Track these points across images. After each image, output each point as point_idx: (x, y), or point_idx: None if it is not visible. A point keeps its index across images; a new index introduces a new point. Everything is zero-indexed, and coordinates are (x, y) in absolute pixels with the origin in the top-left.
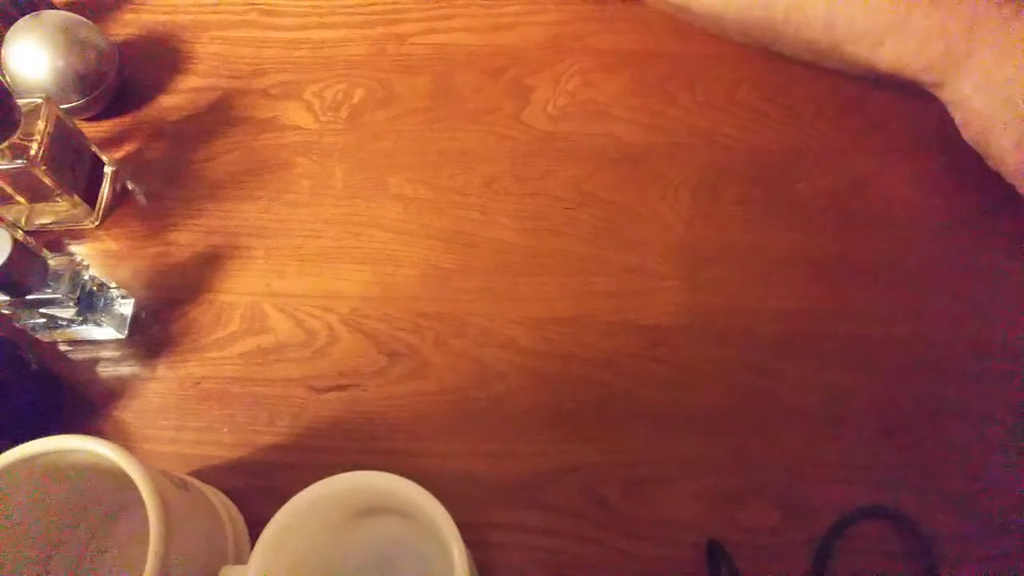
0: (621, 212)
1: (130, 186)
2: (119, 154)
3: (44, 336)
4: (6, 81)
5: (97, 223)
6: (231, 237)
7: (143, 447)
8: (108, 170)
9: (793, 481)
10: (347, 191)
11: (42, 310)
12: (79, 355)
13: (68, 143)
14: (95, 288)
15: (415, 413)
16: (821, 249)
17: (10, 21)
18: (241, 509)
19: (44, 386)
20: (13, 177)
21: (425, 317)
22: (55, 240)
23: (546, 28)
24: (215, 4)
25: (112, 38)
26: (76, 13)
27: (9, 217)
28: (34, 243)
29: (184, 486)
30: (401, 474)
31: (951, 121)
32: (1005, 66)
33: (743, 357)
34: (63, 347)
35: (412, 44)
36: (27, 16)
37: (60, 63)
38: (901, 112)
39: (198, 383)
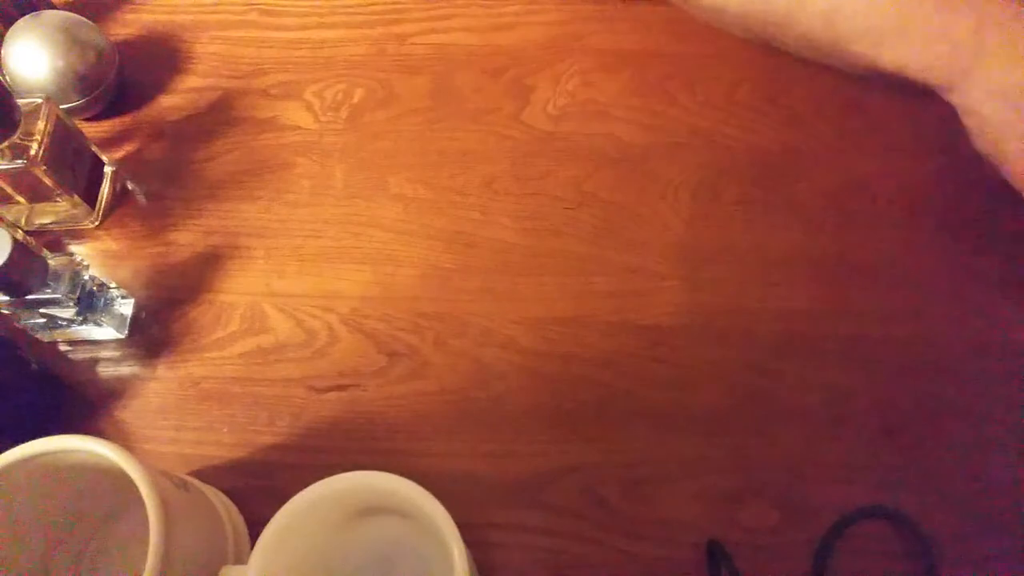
0: (621, 212)
1: (130, 186)
2: (119, 154)
3: (44, 336)
4: (6, 81)
5: (97, 223)
6: (231, 237)
7: (143, 447)
8: (108, 170)
9: (793, 481)
10: (347, 191)
11: (42, 310)
12: (79, 355)
13: (68, 143)
14: (95, 288)
15: (415, 413)
16: (821, 249)
17: (10, 21)
18: (241, 509)
19: (44, 386)
20: (13, 177)
21: (425, 317)
22: (55, 240)
23: (546, 28)
24: (215, 4)
25: (112, 38)
26: (76, 13)
27: (9, 217)
28: (34, 243)
29: (184, 486)
30: (401, 474)
31: (951, 121)
32: (1016, 71)
33: (743, 357)
34: (63, 347)
35: (412, 44)
36: (27, 16)
37: (60, 63)
38: (901, 112)
39: (198, 383)
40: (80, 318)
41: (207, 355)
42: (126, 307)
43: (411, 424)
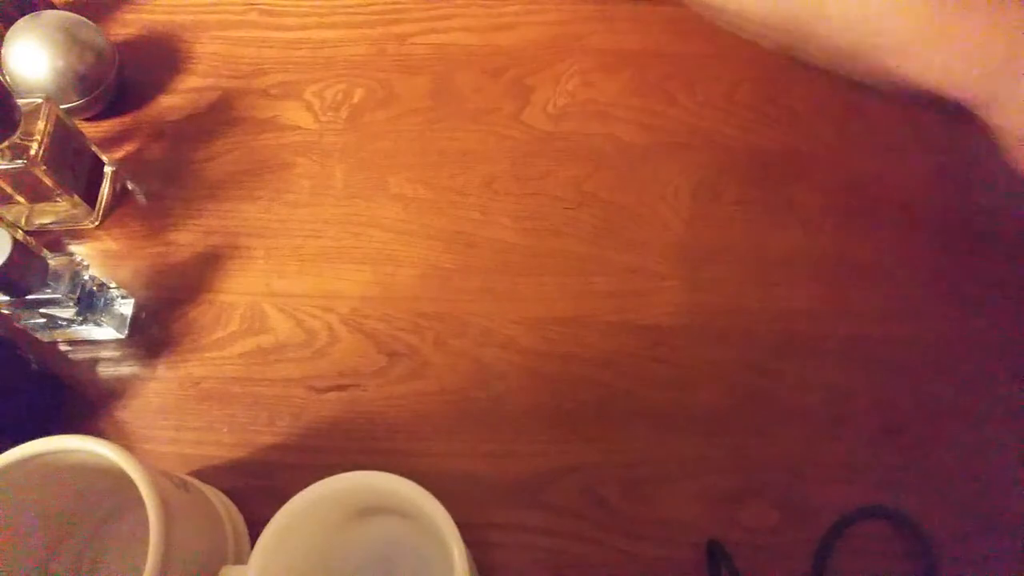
0: (621, 212)
1: (130, 186)
2: (119, 154)
3: (44, 336)
4: (6, 81)
5: (97, 223)
6: (231, 237)
7: (143, 447)
8: (108, 170)
9: (793, 481)
10: (347, 191)
11: (42, 310)
12: (79, 355)
13: (68, 143)
14: (95, 288)
15: (415, 413)
16: (821, 249)
17: (10, 21)
18: (241, 509)
19: (44, 386)
20: (13, 177)
21: (425, 317)
22: (55, 240)
23: (546, 28)
24: (215, 4)
25: (112, 38)
26: (76, 13)
27: (9, 217)
28: (34, 243)
29: (184, 486)
30: (401, 474)
31: (951, 121)
32: None
33: (743, 357)
34: (63, 347)
35: (412, 44)
36: (27, 16)
37: (60, 63)
38: (901, 112)
39: (198, 383)
40: (80, 318)
41: (207, 355)
42: (126, 307)
43: (411, 424)
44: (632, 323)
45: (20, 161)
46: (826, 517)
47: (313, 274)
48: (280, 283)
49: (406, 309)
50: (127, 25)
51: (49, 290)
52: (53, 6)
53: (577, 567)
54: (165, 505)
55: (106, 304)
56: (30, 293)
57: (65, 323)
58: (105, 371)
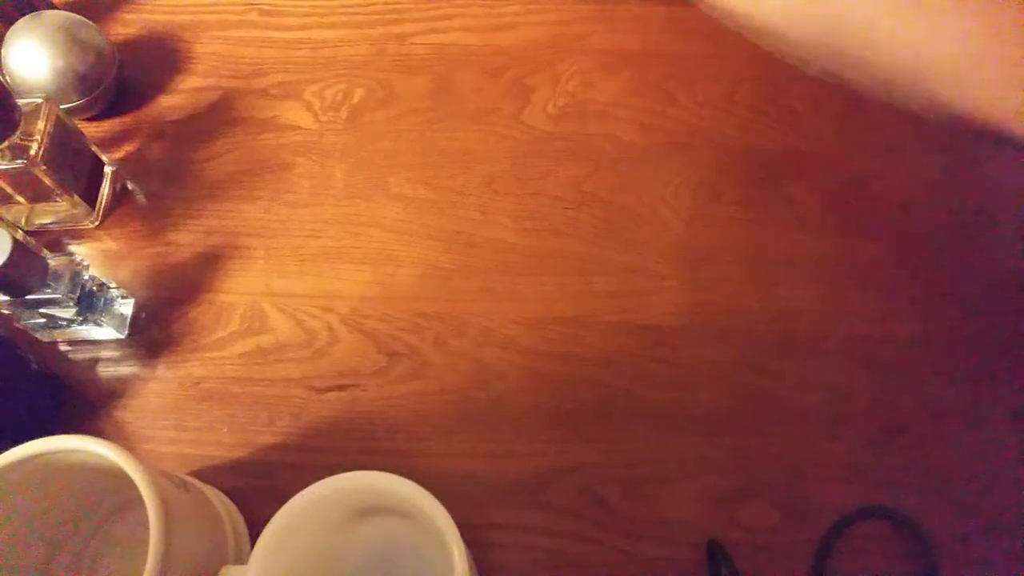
0: (621, 212)
1: (130, 186)
2: (119, 154)
3: (44, 336)
4: (6, 81)
5: (97, 223)
6: (231, 237)
7: (143, 447)
8: (108, 170)
9: (793, 481)
10: (347, 191)
11: (42, 310)
12: (79, 355)
13: (68, 143)
14: (95, 288)
15: (415, 413)
16: (821, 249)
17: (10, 21)
18: (241, 509)
19: (44, 386)
20: (13, 177)
21: (425, 317)
22: (55, 240)
23: (546, 28)
24: (215, 4)
25: (112, 38)
26: (76, 13)
27: (9, 217)
28: (34, 243)
29: (184, 486)
30: (401, 474)
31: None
32: None
33: (743, 357)
34: (63, 347)
35: (412, 44)
36: (27, 16)
37: (60, 63)
38: (901, 112)
39: (198, 383)
40: (80, 318)
41: (207, 355)
42: (126, 307)
43: (411, 424)
44: (632, 323)
45: (20, 161)
46: (826, 517)
47: (313, 274)
48: (280, 283)
49: (406, 309)
50: (127, 25)
51: (49, 290)
52: (53, 6)
53: (577, 567)
54: (165, 505)
55: (106, 304)
56: (30, 293)
57: (65, 323)
58: (105, 371)
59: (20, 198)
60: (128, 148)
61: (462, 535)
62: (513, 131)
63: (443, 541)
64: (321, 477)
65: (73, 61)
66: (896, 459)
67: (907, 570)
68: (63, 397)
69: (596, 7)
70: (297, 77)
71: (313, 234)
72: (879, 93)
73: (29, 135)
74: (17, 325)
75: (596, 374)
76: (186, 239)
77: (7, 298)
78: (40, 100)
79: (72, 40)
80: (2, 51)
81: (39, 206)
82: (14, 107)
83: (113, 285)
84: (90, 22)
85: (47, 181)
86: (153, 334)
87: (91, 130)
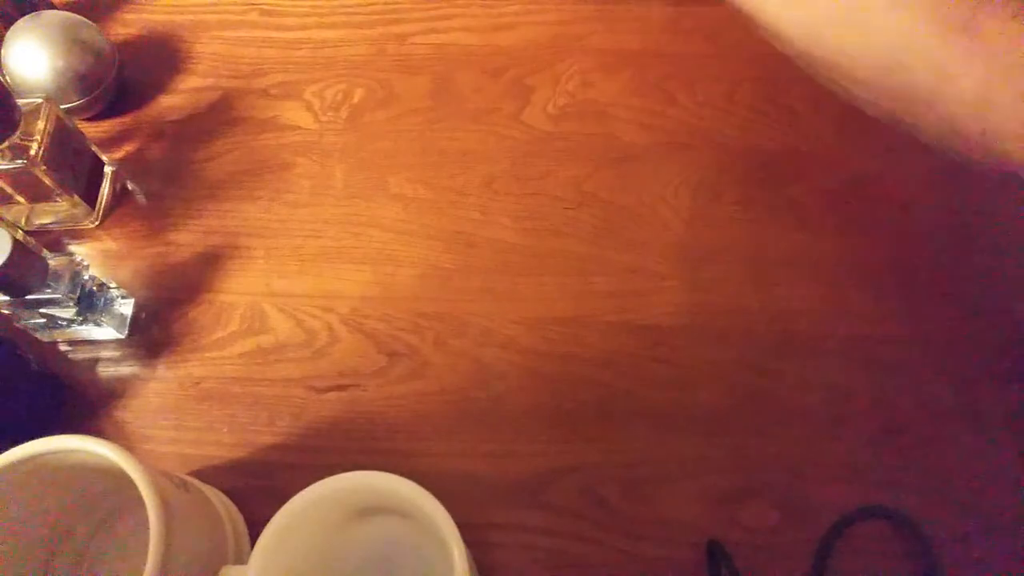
0: (621, 212)
1: (130, 186)
2: (119, 154)
3: (44, 336)
4: (6, 81)
5: (97, 223)
6: (231, 237)
7: (143, 447)
8: (108, 170)
9: (793, 481)
10: (347, 191)
11: (42, 310)
12: (79, 355)
13: (68, 143)
14: (95, 288)
15: (415, 413)
16: (821, 249)
17: (10, 21)
18: (241, 509)
19: (44, 386)
20: (13, 177)
21: (425, 317)
22: (55, 240)
23: (546, 28)
24: (215, 4)
25: (112, 38)
26: (76, 13)
27: (9, 217)
28: (34, 243)
29: (184, 486)
30: (401, 474)
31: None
32: None
33: (743, 357)
34: (63, 347)
35: (412, 44)
36: (27, 16)
37: (60, 63)
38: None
39: (198, 383)
40: (80, 318)
41: (207, 355)
42: (126, 307)
43: (411, 424)
44: (632, 323)
45: (20, 161)
46: (826, 517)
47: (313, 274)
48: (280, 283)
49: (406, 309)
50: (127, 25)
51: (49, 290)
52: (53, 6)
53: (577, 567)
54: (165, 505)
55: (106, 304)
56: (30, 293)
57: (65, 323)
58: (105, 371)
59: (20, 198)
60: (128, 148)
61: (462, 535)
62: (513, 131)
63: (443, 541)
64: (321, 477)
65: (73, 61)
66: (896, 459)
67: (907, 570)
68: (63, 397)
69: (596, 7)
70: (297, 77)
71: (313, 234)
72: (943, 142)
73: (29, 135)
74: (17, 325)
75: (596, 374)
76: (186, 239)
77: (7, 298)
78: (40, 100)
79: (72, 40)
80: (2, 51)
81: (39, 206)
82: (14, 107)
83: (113, 285)
84: (90, 22)
85: (47, 181)
86: (153, 334)
87: (91, 130)
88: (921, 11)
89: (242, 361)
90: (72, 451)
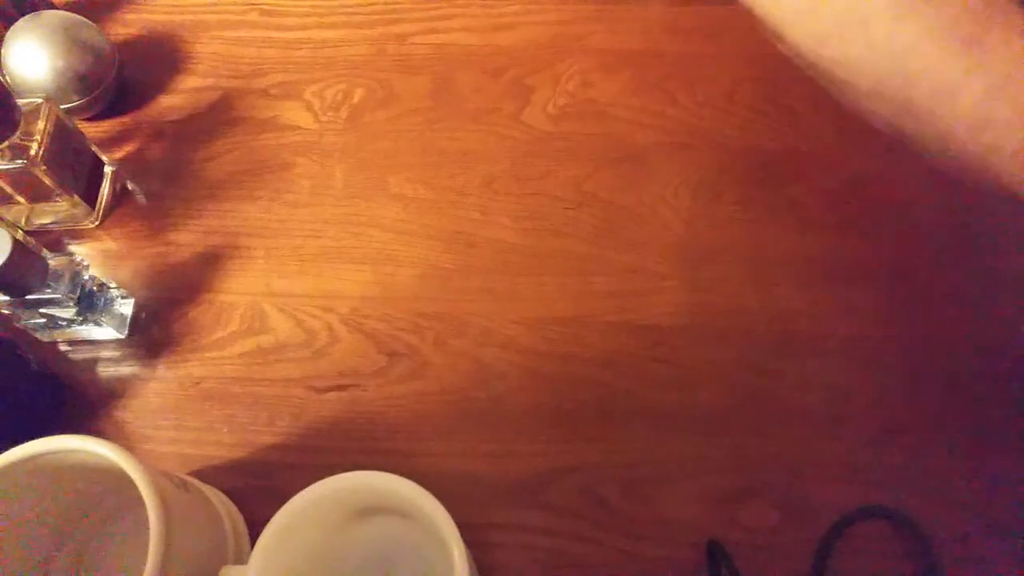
0: (621, 212)
1: (130, 186)
2: (119, 154)
3: (44, 336)
4: (6, 81)
5: (97, 223)
6: (231, 237)
7: (143, 447)
8: (108, 170)
9: (793, 481)
10: (347, 191)
11: (42, 310)
12: (79, 355)
13: (68, 143)
14: (95, 288)
15: (415, 413)
16: (821, 249)
17: (10, 21)
18: (241, 509)
19: (44, 386)
20: (13, 177)
21: (425, 317)
22: (55, 240)
23: (546, 28)
24: (215, 4)
25: (112, 38)
26: (76, 13)
27: (9, 217)
28: (34, 243)
29: (184, 486)
30: (401, 474)
31: None
32: None
33: (743, 357)
34: (63, 347)
35: (412, 44)
36: (27, 16)
37: (60, 63)
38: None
39: (198, 383)
40: (80, 318)
41: (207, 355)
42: (126, 307)
43: (411, 424)
44: (632, 323)
45: (20, 161)
46: (826, 517)
47: (313, 274)
48: (280, 283)
49: (406, 309)
50: (127, 25)
51: (49, 290)
52: (53, 6)
53: (577, 567)
54: (165, 505)
55: (106, 304)
56: (30, 293)
57: (65, 323)
58: (105, 371)
59: (20, 198)
60: (128, 148)
61: (462, 535)
62: (513, 131)
63: (443, 541)
64: (321, 477)
65: (73, 61)
66: (896, 459)
67: (907, 570)
68: (63, 397)
69: (596, 7)
70: (297, 77)
71: (313, 234)
72: (944, 158)
73: (29, 135)
74: (17, 325)
75: (596, 374)
76: (186, 239)
77: (7, 298)
78: (40, 100)
79: (72, 40)
80: (2, 51)
81: (39, 206)
82: (14, 107)
83: (113, 285)
84: (90, 22)
85: (47, 181)
86: (153, 334)
87: (91, 130)
88: (927, 23)
89: (242, 361)
90: (72, 451)
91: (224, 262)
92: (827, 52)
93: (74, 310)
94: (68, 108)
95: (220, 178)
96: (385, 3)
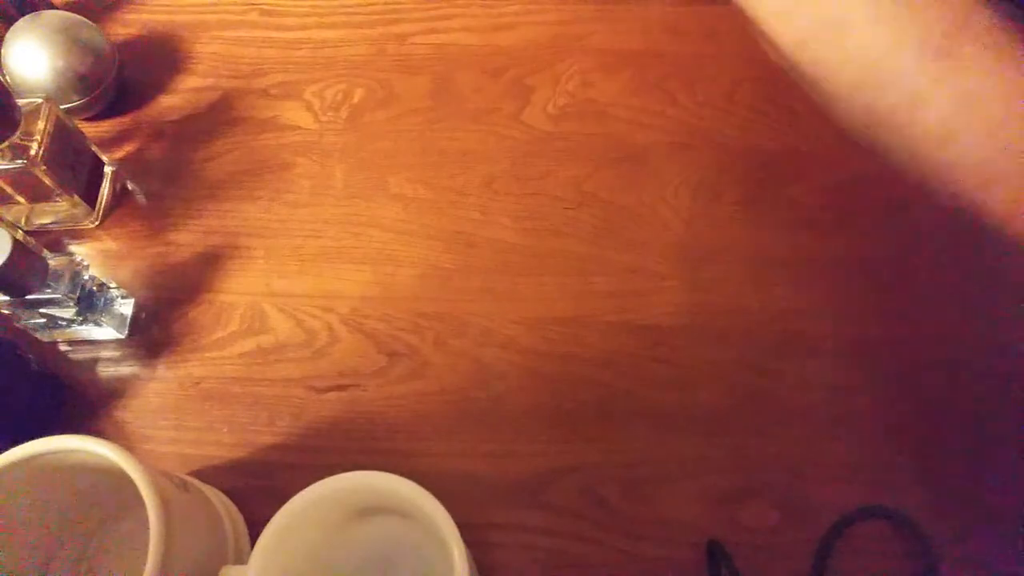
0: (621, 212)
1: (130, 186)
2: (119, 154)
3: (44, 336)
4: (6, 81)
5: (97, 223)
6: (231, 237)
7: (143, 447)
8: (108, 170)
9: (793, 481)
10: (347, 191)
11: (42, 310)
12: (79, 355)
13: (68, 143)
14: (95, 288)
15: (415, 413)
16: (821, 249)
17: (10, 21)
18: (241, 509)
19: (44, 386)
20: (13, 177)
21: (425, 317)
22: (55, 240)
23: (546, 28)
24: (215, 4)
25: (112, 38)
26: (76, 13)
27: (9, 217)
28: (34, 243)
29: (184, 486)
30: (401, 474)
31: None
32: None
33: (743, 357)
34: (63, 347)
35: (412, 44)
36: (27, 16)
37: (60, 63)
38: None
39: (198, 383)
40: (80, 318)
41: (207, 355)
42: (126, 307)
43: (411, 424)
44: (632, 323)
45: (20, 161)
46: (826, 517)
47: (313, 274)
48: (280, 283)
49: (406, 309)
50: (127, 25)
51: (49, 290)
52: (53, 6)
53: (577, 567)
54: (165, 505)
55: (106, 304)
56: (30, 293)
57: (65, 323)
58: (105, 371)
59: (20, 198)
60: (128, 148)
61: (462, 535)
62: (513, 131)
63: (443, 541)
64: (321, 477)
65: (73, 61)
66: (896, 459)
67: (907, 570)
68: (63, 397)
69: (596, 7)
70: (297, 77)
71: (313, 234)
72: (911, 168)
73: (29, 135)
74: (17, 325)
75: (596, 374)
76: (186, 239)
77: (7, 298)
78: (40, 100)
79: (72, 40)
80: (2, 51)
81: (39, 206)
82: (14, 107)
83: (113, 285)
84: (90, 22)
85: (47, 181)
86: (153, 334)
87: (91, 130)
88: (903, 29)
89: (242, 361)
90: (72, 451)
91: (224, 262)
92: (805, 55)
93: (74, 310)
94: (68, 108)
95: (220, 178)
96: (385, 3)
